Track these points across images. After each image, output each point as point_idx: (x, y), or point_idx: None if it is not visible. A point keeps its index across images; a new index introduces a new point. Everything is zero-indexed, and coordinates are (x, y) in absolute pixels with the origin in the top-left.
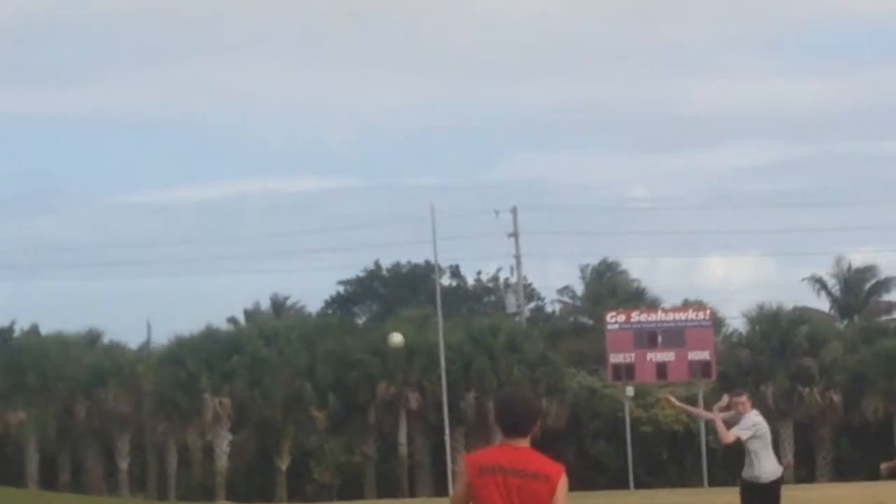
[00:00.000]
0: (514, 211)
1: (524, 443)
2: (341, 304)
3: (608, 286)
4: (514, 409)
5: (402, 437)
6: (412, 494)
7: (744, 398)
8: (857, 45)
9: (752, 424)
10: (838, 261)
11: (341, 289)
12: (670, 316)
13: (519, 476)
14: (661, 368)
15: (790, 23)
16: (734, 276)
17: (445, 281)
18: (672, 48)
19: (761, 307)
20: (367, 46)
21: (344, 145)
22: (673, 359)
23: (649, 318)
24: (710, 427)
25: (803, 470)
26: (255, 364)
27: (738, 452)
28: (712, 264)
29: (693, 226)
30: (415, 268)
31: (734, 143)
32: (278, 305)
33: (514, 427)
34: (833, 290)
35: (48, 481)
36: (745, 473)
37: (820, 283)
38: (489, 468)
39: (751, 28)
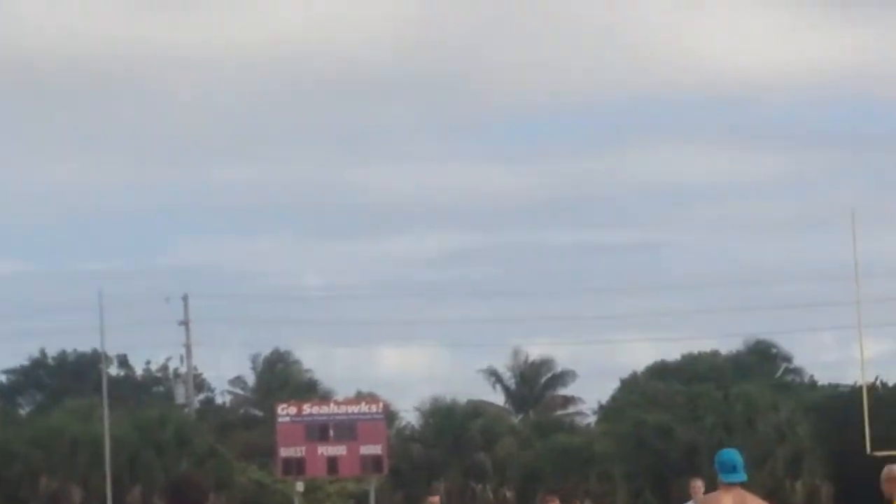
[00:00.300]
0: (185, 298)
1: None
2: (4, 393)
3: (280, 377)
4: (185, 493)
5: None
6: None
7: (436, 498)
8: (539, 136)
9: None
10: (515, 353)
11: (3, 378)
12: (343, 409)
13: None
14: (333, 463)
15: (473, 110)
16: (409, 368)
17: (113, 370)
18: (351, 133)
19: (435, 400)
20: (33, 123)
21: (6, 228)
22: (345, 453)
23: (321, 411)
24: None
25: None
26: None
27: None
28: (387, 355)
29: (369, 315)
30: (81, 356)
31: (412, 231)
32: None
33: None
34: (509, 383)
35: None
36: None
37: (495, 376)
38: None
39: (434, 114)
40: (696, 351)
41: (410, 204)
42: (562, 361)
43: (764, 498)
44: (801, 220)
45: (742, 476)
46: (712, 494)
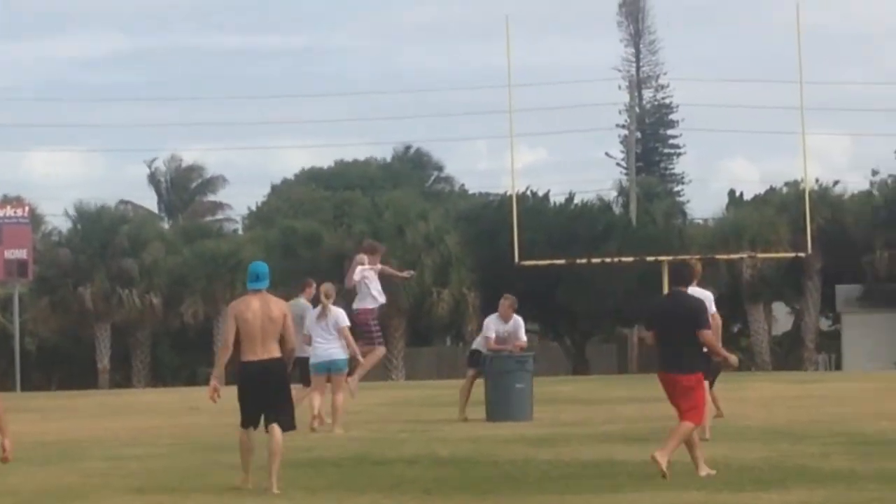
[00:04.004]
0: None
1: None
2: None
3: None
4: None
5: None
6: None
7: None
8: None
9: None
10: (168, 159)
11: None
12: None
13: None
14: None
15: None
16: (60, 172)
17: None
18: None
19: (82, 204)
20: None
21: None
22: None
23: None
24: None
25: (119, 374)
26: None
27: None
28: (37, 159)
29: (20, 118)
30: None
31: (69, 33)
32: None
33: None
34: (161, 189)
35: None
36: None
37: (149, 181)
38: None
39: None
40: (349, 158)
41: (71, 5)
42: (213, 167)
43: (412, 306)
44: (456, 26)
45: (264, 284)
46: (242, 298)
